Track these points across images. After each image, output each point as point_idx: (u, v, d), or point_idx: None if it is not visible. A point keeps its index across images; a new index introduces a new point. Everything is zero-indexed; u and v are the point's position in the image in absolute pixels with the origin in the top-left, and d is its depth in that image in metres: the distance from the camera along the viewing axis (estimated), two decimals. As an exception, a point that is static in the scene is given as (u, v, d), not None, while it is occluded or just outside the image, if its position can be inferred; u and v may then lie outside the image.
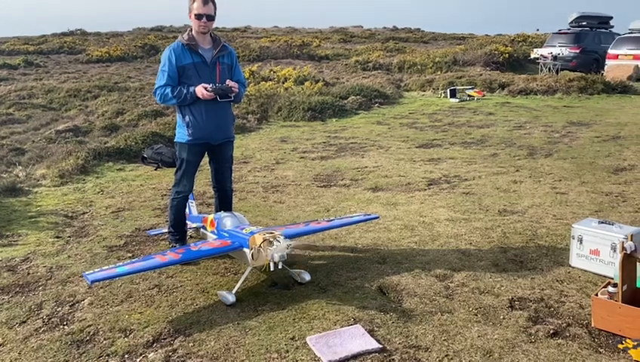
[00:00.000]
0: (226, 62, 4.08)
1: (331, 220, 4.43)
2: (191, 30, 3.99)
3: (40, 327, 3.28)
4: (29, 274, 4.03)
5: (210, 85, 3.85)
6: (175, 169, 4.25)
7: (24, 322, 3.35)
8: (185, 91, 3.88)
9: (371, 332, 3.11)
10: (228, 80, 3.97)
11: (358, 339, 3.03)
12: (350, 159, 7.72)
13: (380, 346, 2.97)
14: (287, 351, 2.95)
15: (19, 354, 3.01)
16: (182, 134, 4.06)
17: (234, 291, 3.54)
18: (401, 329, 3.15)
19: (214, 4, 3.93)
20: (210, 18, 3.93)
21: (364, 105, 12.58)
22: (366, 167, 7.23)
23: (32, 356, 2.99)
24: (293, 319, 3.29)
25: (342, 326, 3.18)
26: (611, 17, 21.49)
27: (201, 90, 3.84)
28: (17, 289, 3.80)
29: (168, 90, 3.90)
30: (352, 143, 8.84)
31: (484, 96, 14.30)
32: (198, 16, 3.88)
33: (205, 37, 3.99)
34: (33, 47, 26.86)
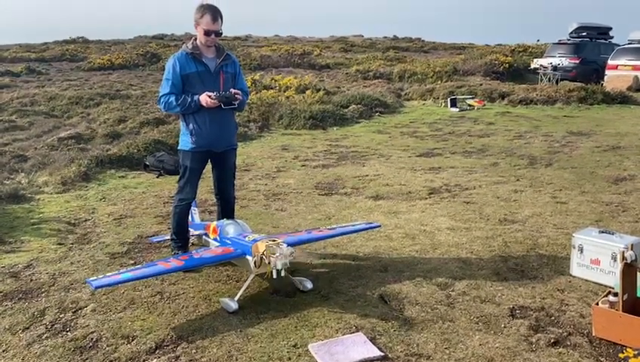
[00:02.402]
0: (229, 71, 4.11)
1: (333, 228, 4.45)
2: (195, 39, 4.03)
3: (43, 333, 3.29)
4: (31, 280, 4.05)
5: (214, 93, 3.88)
6: (178, 176, 4.28)
7: (27, 328, 3.36)
8: (189, 100, 3.92)
9: (373, 340, 3.12)
10: (231, 88, 4.01)
11: (360, 347, 3.04)
12: (351, 167, 7.75)
13: (382, 354, 2.99)
14: (290, 359, 2.97)
15: (22, 360, 3.03)
16: (185, 142, 4.09)
17: (236, 298, 3.55)
18: (402, 338, 3.16)
19: (222, 19, 3.96)
20: (218, 34, 3.97)
21: (364, 114, 12.63)
22: (367, 175, 7.25)
23: (35, 362, 3.00)
24: (295, 326, 3.30)
25: (344, 334, 3.19)
26: (611, 28, 21.61)
27: (205, 99, 3.88)
28: (20, 295, 3.81)
29: (172, 98, 3.94)
30: (353, 152, 8.88)
31: (484, 105, 14.36)
32: (207, 33, 3.91)
33: (210, 47, 4.03)
34: (35, 55, 27.00)
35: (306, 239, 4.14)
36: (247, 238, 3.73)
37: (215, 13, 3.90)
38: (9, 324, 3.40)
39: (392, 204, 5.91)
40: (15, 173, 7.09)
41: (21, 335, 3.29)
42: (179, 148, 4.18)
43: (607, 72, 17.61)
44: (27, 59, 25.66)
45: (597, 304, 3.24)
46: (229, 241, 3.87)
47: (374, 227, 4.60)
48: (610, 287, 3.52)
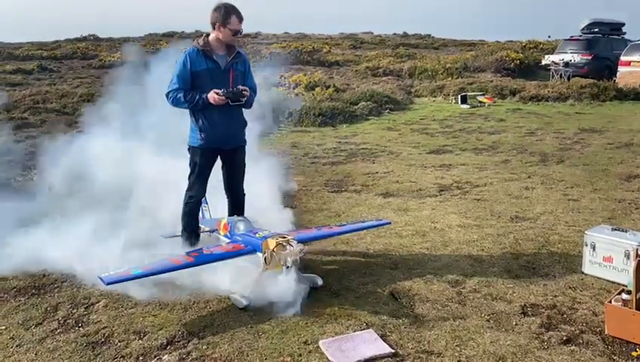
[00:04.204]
0: (239, 69, 4.12)
1: (343, 225, 4.45)
2: (207, 36, 4.03)
3: (56, 329, 3.33)
4: (44, 276, 4.08)
5: (222, 90, 3.90)
6: (188, 173, 4.27)
7: (40, 323, 3.40)
8: (197, 97, 3.93)
9: (384, 337, 3.12)
10: (240, 85, 4.03)
11: (371, 344, 3.04)
12: (361, 165, 7.74)
13: (393, 351, 2.98)
14: (300, 355, 2.97)
15: (35, 354, 3.06)
16: (195, 138, 4.09)
17: (247, 295, 3.56)
18: (413, 335, 3.16)
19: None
20: (241, 33, 4.06)
21: (374, 111, 12.60)
22: (377, 172, 7.24)
23: (48, 357, 3.03)
24: (306, 323, 3.30)
25: (354, 331, 3.19)
26: (623, 24, 21.36)
27: (212, 96, 3.88)
28: (33, 291, 3.85)
29: (181, 94, 3.94)
30: (362, 149, 8.86)
31: (495, 102, 14.27)
32: (235, 32, 3.98)
33: (222, 44, 4.04)
34: (47, 53, 27.17)
35: (316, 236, 4.14)
36: (257, 235, 3.74)
37: (240, 13, 3.99)
38: (22, 319, 3.44)
39: (402, 201, 5.89)
40: (28, 170, 7.16)
41: (34, 330, 3.32)
42: (188, 144, 4.18)
43: (619, 68, 17.38)
44: (39, 57, 25.84)
45: (610, 302, 3.21)
46: (239, 238, 3.88)
47: (384, 224, 4.60)
48: (623, 285, 3.49)
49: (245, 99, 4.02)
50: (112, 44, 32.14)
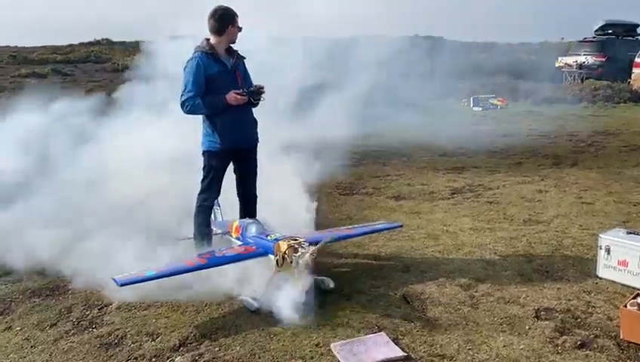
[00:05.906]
0: (241, 70, 4.17)
1: (354, 228, 4.44)
2: (208, 40, 4.05)
3: (70, 330, 3.36)
4: (58, 277, 4.12)
5: (241, 90, 3.93)
6: (202, 177, 4.28)
7: (54, 324, 3.43)
8: (217, 100, 3.94)
9: (395, 341, 3.11)
10: (253, 83, 4.08)
11: (383, 347, 3.03)
12: (372, 167, 7.73)
13: (405, 354, 2.97)
14: (312, 358, 2.97)
15: (50, 355, 3.09)
16: (212, 143, 4.09)
17: (258, 297, 3.56)
18: (425, 338, 3.14)
19: None
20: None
21: (386, 114, 12.55)
22: (388, 175, 7.23)
23: (62, 357, 3.06)
24: (317, 326, 3.29)
25: (366, 334, 3.19)
26: (638, 25, 21.15)
27: (234, 96, 3.90)
28: (48, 292, 3.89)
29: (199, 101, 3.93)
30: (374, 151, 8.85)
31: (507, 104, 14.20)
32: (240, 29, 4.09)
33: (224, 47, 4.08)
34: (61, 57, 27.47)
35: (327, 238, 4.13)
36: (269, 237, 3.75)
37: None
38: (37, 320, 3.47)
39: (413, 204, 5.87)
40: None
41: (49, 331, 3.35)
42: (204, 149, 4.16)
43: (634, 70, 17.22)
44: (53, 60, 26.12)
45: (625, 306, 3.17)
46: (251, 240, 3.89)
47: (396, 227, 4.59)
48: (638, 289, 3.45)
49: (263, 96, 4.06)
50: (125, 48, 32.38)
